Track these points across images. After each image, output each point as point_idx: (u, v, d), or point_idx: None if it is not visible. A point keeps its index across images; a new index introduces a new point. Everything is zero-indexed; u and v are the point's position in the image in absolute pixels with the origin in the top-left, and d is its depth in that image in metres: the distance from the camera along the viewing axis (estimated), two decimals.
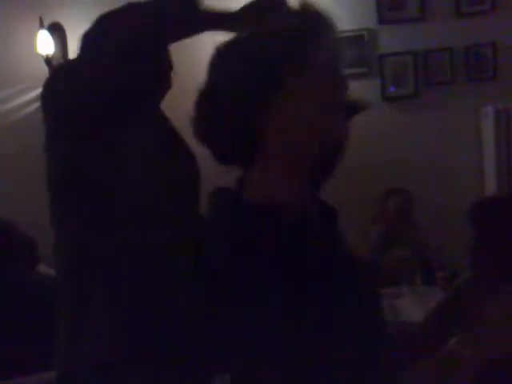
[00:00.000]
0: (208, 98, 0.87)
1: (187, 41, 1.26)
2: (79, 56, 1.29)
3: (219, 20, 1.21)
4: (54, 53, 3.87)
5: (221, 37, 0.90)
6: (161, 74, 1.31)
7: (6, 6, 4.01)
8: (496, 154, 3.51)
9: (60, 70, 1.48)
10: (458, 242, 2.06)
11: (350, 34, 3.72)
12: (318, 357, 0.77)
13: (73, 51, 3.86)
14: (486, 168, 3.62)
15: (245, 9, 1.20)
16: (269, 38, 0.83)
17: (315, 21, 0.84)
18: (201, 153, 1.00)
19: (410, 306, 2.71)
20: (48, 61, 3.86)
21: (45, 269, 2.52)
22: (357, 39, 3.73)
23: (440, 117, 3.72)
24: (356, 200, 3.50)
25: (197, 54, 3.43)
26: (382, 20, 3.77)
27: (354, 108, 1.05)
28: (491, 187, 3.52)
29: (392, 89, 3.76)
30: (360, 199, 3.51)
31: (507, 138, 3.50)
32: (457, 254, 2.16)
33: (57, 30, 3.90)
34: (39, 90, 1.29)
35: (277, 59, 0.82)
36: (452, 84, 3.73)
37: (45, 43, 3.85)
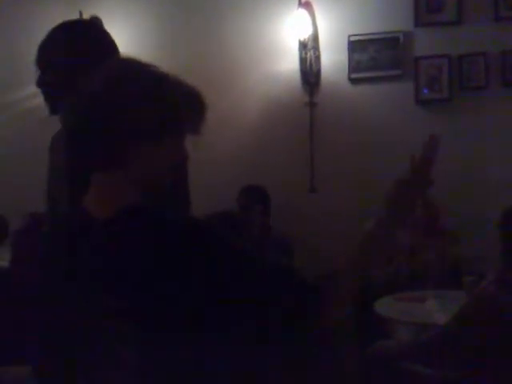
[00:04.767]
0: None
1: None
2: None
3: None
4: None
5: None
6: None
7: (47, 1, 4.12)
8: None
9: None
10: (488, 249, 2.06)
11: (386, 35, 3.71)
12: None
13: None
14: None
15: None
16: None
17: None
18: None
19: (434, 310, 2.71)
20: None
21: None
22: (392, 41, 3.72)
23: (474, 121, 3.68)
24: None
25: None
26: (418, 22, 3.75)
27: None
28: None
29: (425, 91, 3.73)
30: None
31: None
32: (485, 260, 2.16)
33: None
34: None
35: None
36: (486, 89, 3.69)
37: None
